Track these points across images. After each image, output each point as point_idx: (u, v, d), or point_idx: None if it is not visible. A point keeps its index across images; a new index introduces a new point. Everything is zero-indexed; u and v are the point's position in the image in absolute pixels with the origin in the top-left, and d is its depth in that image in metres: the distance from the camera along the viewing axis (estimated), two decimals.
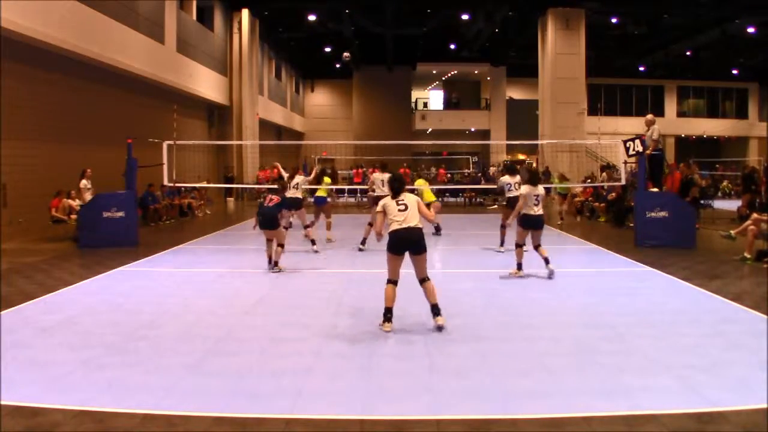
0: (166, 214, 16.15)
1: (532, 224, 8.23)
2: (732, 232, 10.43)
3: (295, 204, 10.99)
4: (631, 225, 12.73)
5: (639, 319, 6.13)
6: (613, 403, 4.00)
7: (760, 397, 4.04)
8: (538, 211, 8.23)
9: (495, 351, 5.15)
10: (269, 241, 9.09)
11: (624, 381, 4.41)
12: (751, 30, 25.18)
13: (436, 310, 5.79)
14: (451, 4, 25.11)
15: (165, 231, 14.40)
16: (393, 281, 5.86)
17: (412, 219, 5.78)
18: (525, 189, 8.33)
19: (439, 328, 5.69)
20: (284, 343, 5.39)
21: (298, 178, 11.50)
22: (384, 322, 5.77)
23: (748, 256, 9.55)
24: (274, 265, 8.94)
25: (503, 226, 10.88)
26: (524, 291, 7.63)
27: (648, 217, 11.36)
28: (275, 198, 8.89)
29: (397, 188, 5.96)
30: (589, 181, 20.93)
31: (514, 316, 6.33)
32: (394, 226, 5.80)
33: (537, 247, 8.40)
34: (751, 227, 9.79)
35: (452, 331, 5.70)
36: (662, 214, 11.24)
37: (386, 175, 10.28)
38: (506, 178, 10.69)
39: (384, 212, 5.91)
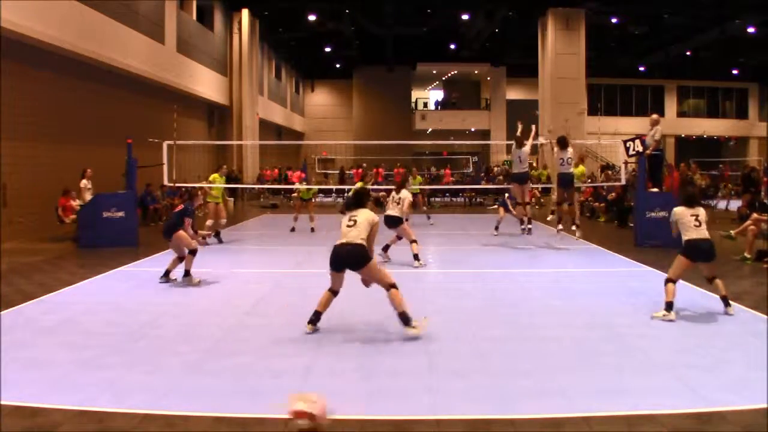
0: (166, 214, 16.13)
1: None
2: (732, 232, 10.43)
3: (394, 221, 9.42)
4: (631, 225, 12.73)
5: (639, 319, 6.13)
6: (613, 403, 4.00)
7: (760, 397, 4.04)
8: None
9: (495, 351, 5.15)
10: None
11: (624, 381, 4.41)
12: (751, 30, 25.15)
13: (404, 319, 5.46)
14: (451, 4, 25.10)
15: None
16: (332, 291, 5.70)
17: (353, 235, 5.56)
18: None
19: (413, 337, 5.39)
20: (284, 343, 5.39)
21: (405, 193, 9.61)
22: (308, 323, 5.64)
23: (748, 256, 9.54)
24: (185, 274, 7.93)
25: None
26: (524, 291, 7.63)
27: (648, 217, 11.36)
28: (180, 206, 8.38)
29: (352, 203, 5.87)
30: (589, 181, 20.94)
31: (514, 316, 6.32)
32: (337, 241, 5.66)
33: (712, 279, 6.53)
34: (751, 227, 9.79)
35: (452, 331, 5.70)
36: (662, 214, 11.23)
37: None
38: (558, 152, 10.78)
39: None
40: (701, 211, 6.59)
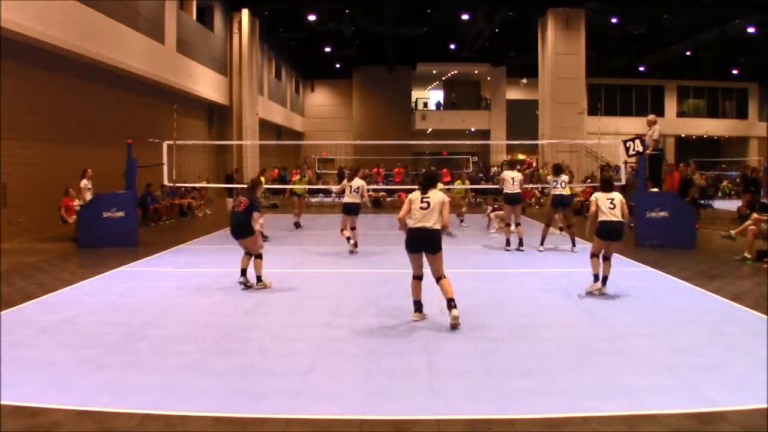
0: (166, 214, 16.15)
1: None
2: (732, 232, 10.43)
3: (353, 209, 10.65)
4: (632, 225, 12.73)
5: (639, 319, 6.14)
6: (613, 403, 4.00)
7: (760, 397, 4.04)
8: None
9: (495, 351, 5.15)
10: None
11: (624, 381, 4.41)
12: (751, 30, 25.15)
13: (451, 304, 5.80)
14: (451, 4, 25.10)
15: (165, 231, 14.40)
16: (416, 276, 6.01)
17: (429, 219, 5.81)
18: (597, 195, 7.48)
19: (454, 323, 5.72)
20: (284, 343, 5.39)
21: (358, 182, 10.83)
22: (414, 312, 6.00)
23: (748, 256, 9.55)
24: (257, 280, 7.66)
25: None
26: (524, 291, 7.63)
27: (648, 217, 11.36)
28: (244, 200, 7.66)
29: (425, 185, 6.04)
30: (589, 181, 20.94)
31: (514, 316, 6.32)
32: (410, 224, 5.89)
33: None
34: (751, 227, 9.79)
35: (452, 331, 5.70)
36: (662, 214, 11.25)
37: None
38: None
39: (409, 206, 5.99)
40: (617, 196, 7.32)
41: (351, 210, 10.63)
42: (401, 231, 6.13)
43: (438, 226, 5.87)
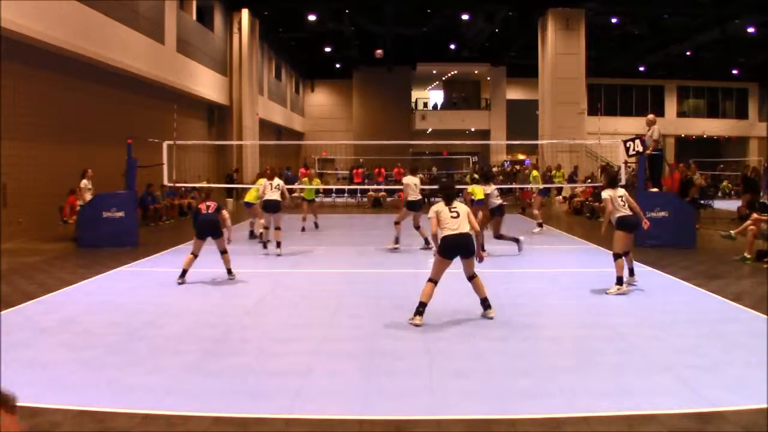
0: (166, 214, 16.15)
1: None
2: (732, 232, 10.43)
3: (273, 207, 10.55)
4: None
5: (639, 319, 6.14)
6: (613, 403, 4.00)
7: (760, 397, 4.03)
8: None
9: (495, 351, 5.15)
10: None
11: (624, 381, 4.41)
12: (751, 30, 25.14)
13: (486, 304, 6.15)
14: (451, 4, 25.10)
15: (165, 231, 14.40)
16: (434, 280, 6.03)
17: (463, 226, 6.05)
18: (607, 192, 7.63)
19: (489, 318, 6.02)
20: (284, 343, 5.39)
21: (278, 180, 10.83)
22: (415, 315, 5.94)
23: (748, 256, 9.55)
24: (228, 273, 8.32)
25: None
26: (524, 291, 7.63)
27: (648, 217, 11.34)
28: (212, 204, 8.30)
29: (448, 195, 6.33)
30: (589, 181, 20.93)
31: (514, 315, 6.32)
32: (446, 232, 6.02)
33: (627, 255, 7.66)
34: (751, 227, 9.79)
35: (452, 331, 5.70)
36: (662, 214, 11.24)
37: (417, 179, 11.10)
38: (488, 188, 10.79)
39: (437, 218, 6.13)
40: (624, 192, 7.61)
41: (269, 208, 10.49)
42: (435, 246, 6.22)
43: (470, 231, 6.13)
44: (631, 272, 7.74)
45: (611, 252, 7.65)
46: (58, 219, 12.49)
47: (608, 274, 8.81)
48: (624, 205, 7.45)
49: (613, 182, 7.74)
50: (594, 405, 3.96)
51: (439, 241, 6.06)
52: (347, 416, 3.82)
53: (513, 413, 3.85)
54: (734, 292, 7.31)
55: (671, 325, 5.91)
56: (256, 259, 10.29)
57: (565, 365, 4.76)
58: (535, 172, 16.54)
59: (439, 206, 6.21)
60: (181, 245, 11.69)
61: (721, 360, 4.86)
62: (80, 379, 4.48)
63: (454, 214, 6.08)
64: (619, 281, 7.31)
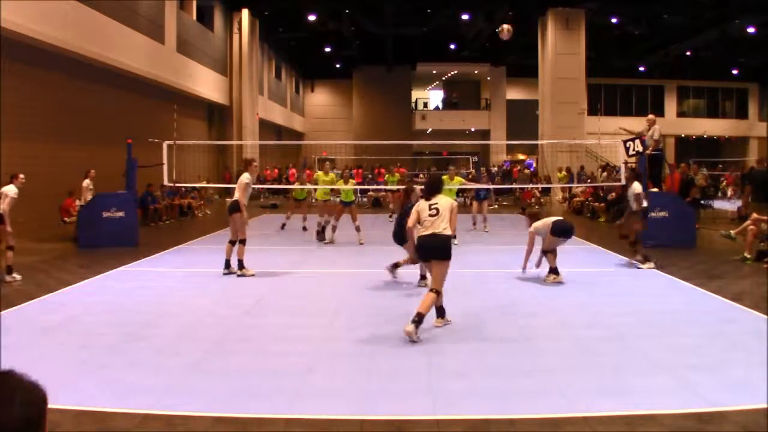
0: (166, 214, 16.14)
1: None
2: (732, 232, 10.43)
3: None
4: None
5: (639, 319, 6.13)
6: (613, 403, 3.99)
7: (760, 397, 4.03)
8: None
9: (495, 351, 5.15)
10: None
11: (624, 381, 4.41)
12: (751, 30, 25.14)
13: (417, 318, 5.34)
14: (451, 4, 25.09)
15: (165, 231, 14.40)
16: (435, 291, 5.64)
17: (438, 225, 5.61)
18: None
19: (406, 334, 5.30)
20: (284, 343, 5.39)
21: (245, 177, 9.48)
22: (438, 317, 5.80)
23: (748, 256, 9.54)
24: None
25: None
26: (524, 291, 7.63)
27: (648, 217, 11.34)
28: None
29: (429, 191, 5.87)
30: (589, 181, 20.93)
31: (514, 315, 6.32)
32: (421, 232, 5.69)
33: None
34: (751, 227, 9.79)
35: (452, 331, 5.70)
36: (662, 214, 11.23)
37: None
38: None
39: (418, 215, 5.78)
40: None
41: (234, 209, 9.04)
42: (413, 241, 5.91)
43: (448, 232, 5.65)
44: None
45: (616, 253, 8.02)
46: (58, 219, 12.49)
47: (607, 274, 8.86)
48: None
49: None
50: (594, 405, 3.95)
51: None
52: (347, 416, 3.82)
53: (513, 413, 3.85)
54: (734, 292, 7.30)
55: (671, 325, 5.91)
56: (256, 258, 10.27)
57: (565, 365, 4.76)
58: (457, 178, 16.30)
59: (422, 202, 5.87)
60: (181, 245, 11.70)
61: (721, 360, 4.86)
62: (80, 379, 4.48)
63: (433, 212, 5.65)
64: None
